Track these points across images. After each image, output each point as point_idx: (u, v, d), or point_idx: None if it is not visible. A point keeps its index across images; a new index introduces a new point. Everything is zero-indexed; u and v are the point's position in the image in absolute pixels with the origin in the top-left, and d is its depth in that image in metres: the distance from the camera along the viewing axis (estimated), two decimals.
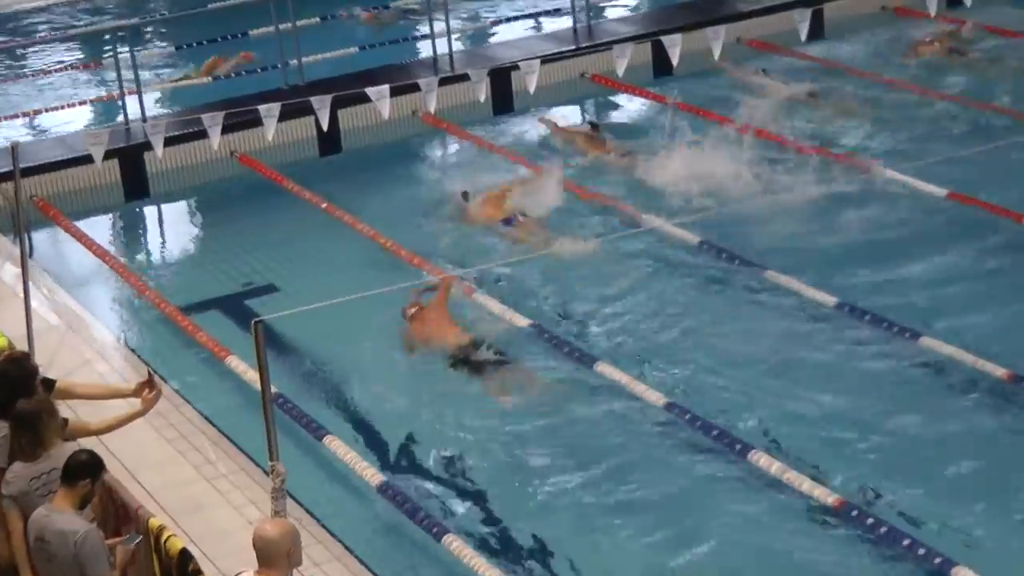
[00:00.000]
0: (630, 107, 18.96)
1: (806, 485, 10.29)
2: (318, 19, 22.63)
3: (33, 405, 8.66)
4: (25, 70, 22.39)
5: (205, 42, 22.09)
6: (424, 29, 20.75)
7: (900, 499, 10.28)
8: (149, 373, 9.87)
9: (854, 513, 9.99)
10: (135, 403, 9.71)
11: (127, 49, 18.57)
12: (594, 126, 17.52)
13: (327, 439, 11.28)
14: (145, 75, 19.69)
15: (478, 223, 15.13)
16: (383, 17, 23.20)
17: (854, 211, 14.68)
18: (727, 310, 13.18)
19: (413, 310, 13.00)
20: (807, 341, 12.46)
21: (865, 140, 16.78)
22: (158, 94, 20.38)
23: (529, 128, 18.05)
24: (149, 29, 23.89)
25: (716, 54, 14.88)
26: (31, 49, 23.20)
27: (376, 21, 23.09)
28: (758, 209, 14.36)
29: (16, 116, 19.82)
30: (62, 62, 22.63)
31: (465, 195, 15.51)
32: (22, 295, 11.93)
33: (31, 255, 14.41)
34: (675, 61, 14.63)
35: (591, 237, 14.39)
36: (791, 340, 12.50)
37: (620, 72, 14.72)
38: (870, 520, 9.90)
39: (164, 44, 23.16)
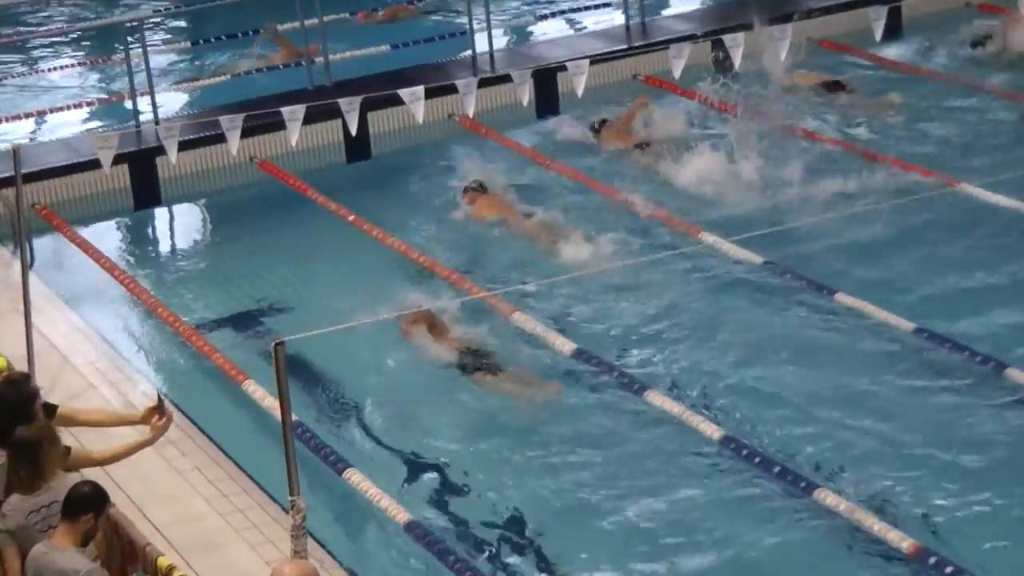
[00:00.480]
0: (686, 111, 18.87)
1: (877, 527, 10.22)
2: (347, 14, 22.68)
3: (33, 432, 8.70)
4: (28, 67, 22.53)
5: (224, 37, 22.19)
6: (461, 24, 20.77)
7: (980, 546, 10.18)
8: (159, 398, 9.90)
9: (932, 560, 9.91)
10: (143, 431, 9.76)
11: (139, 45, 18.66)
12: (603, 122, 17.54)
13: (349, 472, 11.27)
14: (160, 66, 19.84)
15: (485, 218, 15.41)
16: (376, 17, 23.14)
17: (932, 229, 14.59)
18: (791, 334, 13.11)
19: (412, 327, 13.10)
20: (882, 370, 12.38)
21: (943, 149, 16.67)
22: (172, 94, 20.47)
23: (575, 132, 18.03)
24: (162, 23, 24.02)
25: (782, 55, 14.82)
26: (34, 44, 23.34)
27: (370, 19, 23.03)
28: (824, 225, 14.28)
29: (18, 117, 19.93)
30: (68, 59, 22.76)
31: (480, 186, 15.63)
32: (22, 311, 11.99)
33: (32, 267, 14.50)
34: (737, 62, 14.57)
35: (636, 248, 14.40)
36: (865, 369, 12.42)
37: (676, 74, 14.67)
38: (949, 568, 9.81)
39: (179, 40, 23.27)
